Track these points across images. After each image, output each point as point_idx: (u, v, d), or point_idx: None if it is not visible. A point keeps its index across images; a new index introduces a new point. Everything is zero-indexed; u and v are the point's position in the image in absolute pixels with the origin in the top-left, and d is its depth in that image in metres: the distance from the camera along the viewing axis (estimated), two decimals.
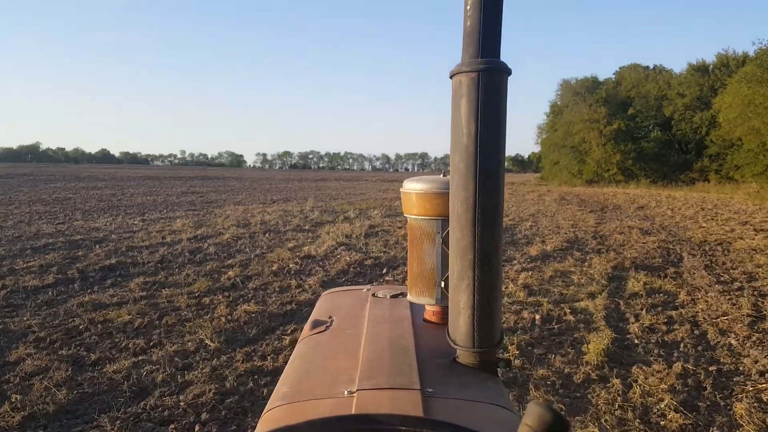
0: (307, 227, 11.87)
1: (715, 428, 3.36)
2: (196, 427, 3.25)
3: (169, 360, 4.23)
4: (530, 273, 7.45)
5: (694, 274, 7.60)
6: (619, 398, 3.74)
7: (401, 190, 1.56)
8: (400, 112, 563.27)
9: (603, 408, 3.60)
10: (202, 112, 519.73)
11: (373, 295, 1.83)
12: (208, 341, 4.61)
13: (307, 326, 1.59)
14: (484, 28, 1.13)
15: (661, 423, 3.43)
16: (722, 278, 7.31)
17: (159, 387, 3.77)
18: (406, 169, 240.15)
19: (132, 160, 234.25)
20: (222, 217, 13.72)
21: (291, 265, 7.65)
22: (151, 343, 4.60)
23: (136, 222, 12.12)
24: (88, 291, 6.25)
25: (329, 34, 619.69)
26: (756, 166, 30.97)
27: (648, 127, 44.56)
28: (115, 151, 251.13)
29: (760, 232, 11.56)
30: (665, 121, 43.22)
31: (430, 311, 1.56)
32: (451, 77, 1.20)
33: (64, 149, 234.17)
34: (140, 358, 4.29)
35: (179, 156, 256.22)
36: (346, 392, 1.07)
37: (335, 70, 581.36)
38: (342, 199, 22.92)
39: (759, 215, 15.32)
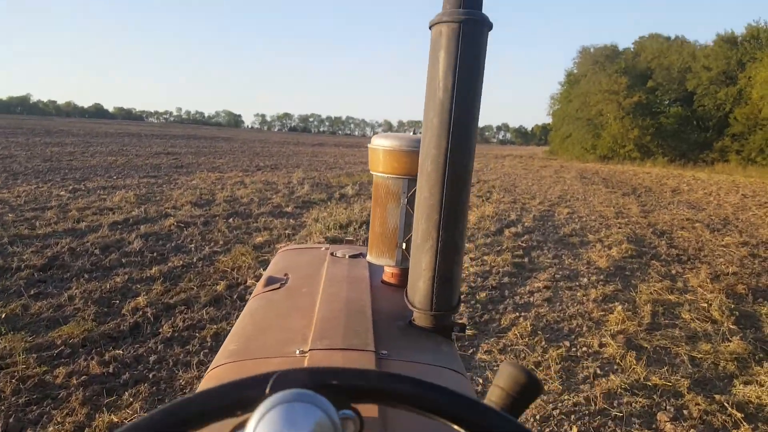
0: (289, 209, 9.18)
1: None
2: None
3: None
4: (623, 309, 4.83)
5: None
6: None
7: (369, 146, 1.51)
8: (403, 78, 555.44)
9: None
10: (203, 70, 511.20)
11: (332, 254, 1.75)
12: None
13: (260, 283, 1.53)
14: None
15: None
16: None
17: None
18: None
19: (126, 115, 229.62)
20: (182, 188, 10.95)
21: (250, 281, 5.01)
22: None
23: (62, 193, 9.34)
24: None
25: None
26: None
27: (668, 102, 41.59)
28: (110, 106, 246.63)
29: None
30: (686, 95, 40.40)
31: (389, 273, 1.53)
32: (430, 27, 1.15)
33: (55, 102, 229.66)
34: None
35: (175, 113, 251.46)
36: (297, 351, 1.03)
37: (341, 32, 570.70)
38: (340, 168, 20.15)
39: None
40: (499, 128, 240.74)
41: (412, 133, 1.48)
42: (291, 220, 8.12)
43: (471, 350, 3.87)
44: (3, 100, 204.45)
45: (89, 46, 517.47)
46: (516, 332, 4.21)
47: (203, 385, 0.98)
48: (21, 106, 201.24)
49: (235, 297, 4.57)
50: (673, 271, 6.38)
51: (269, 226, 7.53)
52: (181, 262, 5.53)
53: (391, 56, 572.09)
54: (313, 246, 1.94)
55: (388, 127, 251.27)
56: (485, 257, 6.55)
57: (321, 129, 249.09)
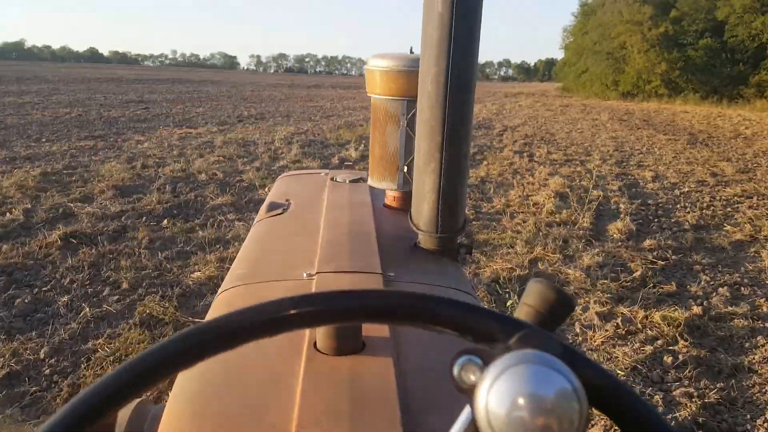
0: (264, 191, 6.22)
1: None
2: None
3: None
4: None
5: None
6: None
7: (365, 67, 1.45)
8: (401, 15, 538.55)
9: None
10: (202, 11, 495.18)
11: (332, 179, 1.73)
12: None
13: (263, 208, 1.52)
14: None
15: None
16: None
17: None
18: None
19: (122, 59, 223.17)
20: (123, 157, 7.94)
21: None
22: None
23: None
24: None
25: None
26: None
27: (696, 32, 37.65)
28: (105, 50, 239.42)
29: None
30: (716, 25, 36.59)
31: (391, 196, 1.51)
32: None
33: (50, 47, 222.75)
34: None
35: (170, 56, 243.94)
36: (305, 275, 1.02)
37: None
38: (338, 116, 17.00)
39: None
40: (500, 64, 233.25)
41: (410, 52, 1.39)
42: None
43: None
44: None
45: None
46: None
47: (214, 309, 0.96)
48: (16, 51, 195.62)
49: None
50: None
51: (224, 237, 4.58)
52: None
53: None
54: (313, 171, 1.95)
55: None
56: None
57: (318, 69, 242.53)
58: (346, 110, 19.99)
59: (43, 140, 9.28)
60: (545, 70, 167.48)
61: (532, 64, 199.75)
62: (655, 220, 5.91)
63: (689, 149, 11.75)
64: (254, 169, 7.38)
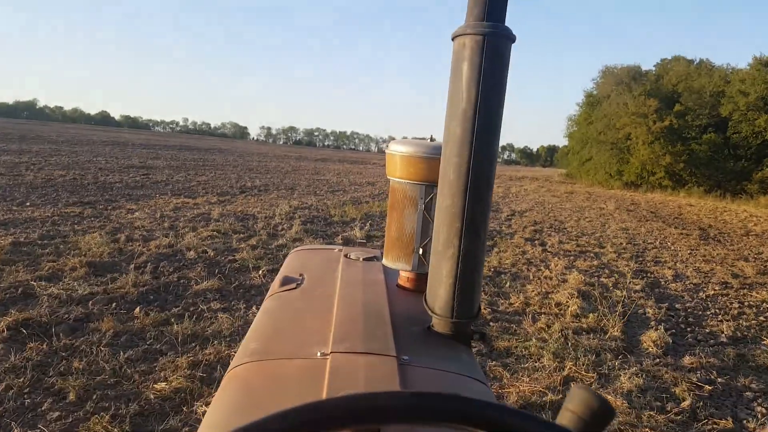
0: (259, 274, 5.62)
1: None
2: None
3: None
4: None
5: None
6: None
7: (386, 151, 1.49)
8: (409, 95, 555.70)
9: None
10: (214, 81, 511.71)
11: (345, 256, 1.73)
12: None
13: (276, 282, 1.51)
14: None
15: None
16: None
17: None
18: None
19: (132, 124, 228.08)
20: (108, 227, 7.41)
21: None
22: None
23: None
24: None
25: (343, 12, 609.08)
26: None
27: (700, 127, 38.06)
28: (116, 114, 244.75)
29: None
30: (719, 121, 37.14)
31: (405, 277, 1.50)
32: (453, 39, 1.15)
33: (62, 108, 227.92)
34: None
35: (181, 123, 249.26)
36: (318, 353, 1.01)
37: (348, 48, 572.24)
38: (344, 191, 16.62)
39: None
40: (504, 148, 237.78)
41: (429, 140, 1.46)
42: (252, 313, 4.52)
43: None
44: (9, 105, 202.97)
45: (101, 55, 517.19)
46: None
47: (225, 385, 0.96)
48: (27, 110, 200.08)
49: None
50: None
51: (203, 333, 3.94)
52: None
53: (397, 73, 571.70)
54: (327, 247, 1.91)
55: None
56: None
57: (326, 143, 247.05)
58: (353, 185, 19.68)
59: (28, 204, 8.73)
60: (547, 156, 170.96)
61: (535, 149, 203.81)
62: (688, 330, 5.28)
63: (703, 245, 11.30)
64: (249, 247, 6.80)
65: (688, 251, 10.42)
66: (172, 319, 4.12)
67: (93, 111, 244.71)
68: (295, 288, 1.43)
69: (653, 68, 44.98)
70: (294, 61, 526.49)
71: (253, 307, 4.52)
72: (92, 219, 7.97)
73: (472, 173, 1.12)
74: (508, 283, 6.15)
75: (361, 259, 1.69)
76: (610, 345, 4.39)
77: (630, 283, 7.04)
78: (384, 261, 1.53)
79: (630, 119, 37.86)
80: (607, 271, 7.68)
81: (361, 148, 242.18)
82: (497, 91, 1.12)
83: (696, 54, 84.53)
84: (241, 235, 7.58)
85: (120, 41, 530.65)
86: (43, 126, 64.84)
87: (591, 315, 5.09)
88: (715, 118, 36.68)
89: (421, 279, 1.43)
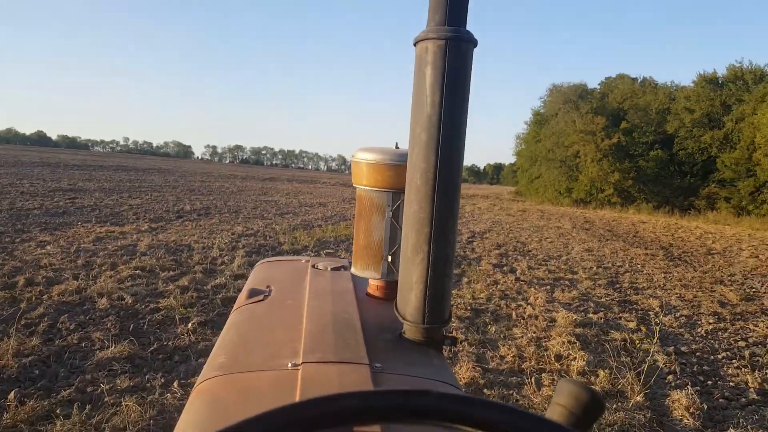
0: (188, 329, 4.48)
1: None
2: None
3: None
4: None
5: None
6: None
7: (351, 159, 1.49)
8: (358, 112, 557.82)
9: None
10: (153, 99, 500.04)
11: (313, 266, 1.72)
12: None
13: (242, 295, 1.49)
14: None
15: None
16: None
17: None
18: None
19: (70, 144, 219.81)
20: (3, 269, 6.09)
21: None
22: None
23: None
24: None
25: (291, 26, 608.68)
26: None
27: (647, 144, 38.68)
28: (54, 134, 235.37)
29: None
30: (665, 138, 37.90)
31: (374, 285, 1.49)
32: (415, 44, 1.15)
33: None
34: None
35: (122, 143, 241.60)
36: (289, 364, 1.00)
37: (295, 64, 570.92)
38: (294, 214, 15.46)
39: None
40: None
41: (394, 147, 1.45)
42: (172, 395, 3.37)
43: None
44: None
45: (37, 72, 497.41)
46: None
47: (193, 399, 0.93)
48: None
49: None
50: None
51: (99, 430, 2.80)
52: None
53: (346, 91, 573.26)
54: (293, 258, 1.88)
55: (342, 162, 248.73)
56: None
57: (274, 162, 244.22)
58: (303, 207, 18.53)
59: None
60: (494, 173, 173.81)
61: (482, 167, 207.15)
62: (709, 382, 4.43)
63: (672, 267, 10.80)
64: (179, 290, 5.60)
65: (662, 274, 9.87)
66: (58, 410, 2.95)
67: (28, 131, 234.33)
68: (262, 300, 1.40)
69: (598, 86, 45.68)
70: (241, 79, 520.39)
71: (174, 384, 3.38)
72: None
73: (439, 178, 1.11)
74: (492, 328, 5.18)
75: (329, 269, 1.67)
76: (639, 418, 3.45)
77: (621, 319, 6.23)
78: (352, 270, 1.50)
79: (578, 137, 38.14)
80: (591, 304, 6.86)
81: (310, 167, 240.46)
82: (461, 95, 1.11)
83: (639, 72, 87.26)
84: (171, 273, 6.37)
85: (59, 59, 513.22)
86: None
87: (601, 372, 4.17)
88: (661, 135, 37.32)
89: (390, 287, 1.42)
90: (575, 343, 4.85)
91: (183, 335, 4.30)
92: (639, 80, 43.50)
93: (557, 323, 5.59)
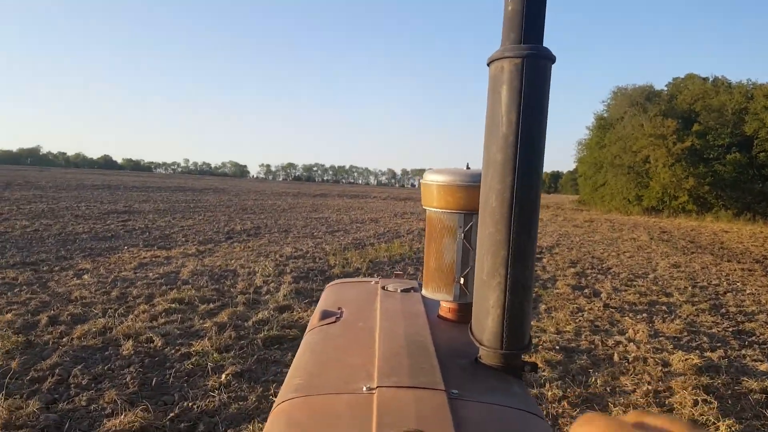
0: (216, 380, 3.66)
1: None
2: None
3: None
4: None
5: None
6: None
7: (421, 181, 1.47)
8: (406, 127, 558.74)
9: None
10: (211, 122, 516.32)
11: (383, 288, 1.68)
12: None
13: (315, 316, 1.46)
14: (527, 12, 1.03)
15: None
16: None
17: None
18: (413, 185, 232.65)
19: (134, 167, 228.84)
20: (29, 306, 5.45)
21: None
22: None
23: None
24: None
25: (340, 47, 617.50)
26: None
27: (723, 147, 36.03)
28: (119, 158, 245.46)
29: None
30: (744, 140, 35.17)
31: (446, 308, 1.45)
32: (489, 64, 1.10)
33: (65, 153, 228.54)
34: None
35: (182, 164, 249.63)
36: (364, 388, 0.97)
37: (345, 84, 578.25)
38: (344, 231, 14.70)
39: None
40: None
41: (466, 168, 1.43)
42: None
43: None
44: (13, 152, 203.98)
45: (103, 101, 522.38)
46: None
47: (272, 419, 0.93)
48: (31, 157, 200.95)
49: None
50: None
51: None
52: None
53: (392, 107, 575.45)
54: (363, 280, 1.87)
55: (392, 176, 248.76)
56: None
57: (325, 177, 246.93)
58: (354, 223, 17.75)
59: None
60: (551, 182, 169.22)
61: None
62: None
63: None
64: (216, 328, 4.82)
65: (765, 293, 8.53)
66: None
67: (96, 155, 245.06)
68: (334, 322, 1.38)
69: (665, 88, 43.16)
70: (294, 104, 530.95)
71: None
72: (21, 288, 6.04)
73: (516, 199, 1.05)
74: (597, 381, 4.13)
75: (399, 291, 1.64)
76: None
77: (745, 358, 5.06)
78: (423, 292, 1.48)
79: (647, 141, 36.08)
80: (704, 338, 5.68)
81: (360, 182, 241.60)
82: (539, 113, 1.05)
83: (709, 71, 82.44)
84: (210, 306, 5.61)
85: (124, 86, 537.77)
86: (41, 172, 63.42)
87: None
88: (739, 136, 34.83)
89: (462, 309, 1.40)
90: (709, 401, 3.76)
91: (213, 392, 3.49)
92: (710, 80, 40.84)
93: (673, 367, 4.50)
